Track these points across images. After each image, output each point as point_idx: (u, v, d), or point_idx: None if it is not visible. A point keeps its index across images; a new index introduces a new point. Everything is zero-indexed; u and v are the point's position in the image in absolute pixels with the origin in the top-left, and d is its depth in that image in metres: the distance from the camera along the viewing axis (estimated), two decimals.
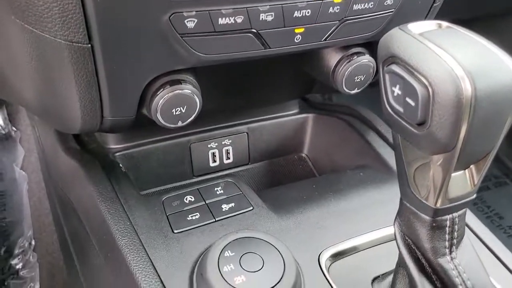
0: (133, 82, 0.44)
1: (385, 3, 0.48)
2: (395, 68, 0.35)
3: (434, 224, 0.39)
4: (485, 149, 0.36)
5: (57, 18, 0.37)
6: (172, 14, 0.40)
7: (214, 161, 0.73)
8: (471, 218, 0.55)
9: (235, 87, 0.65)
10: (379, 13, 0.49)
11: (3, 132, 1.13)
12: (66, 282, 0.77)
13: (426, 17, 0.54)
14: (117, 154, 0.65)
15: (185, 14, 0.40)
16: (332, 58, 0.55)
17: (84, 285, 0.63)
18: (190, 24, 0.41)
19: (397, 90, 0.36)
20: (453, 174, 0.36)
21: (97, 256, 0.52)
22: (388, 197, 0.56)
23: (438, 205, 0.37)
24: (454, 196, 0.38)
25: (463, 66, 0.32)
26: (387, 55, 0.36)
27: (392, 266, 0.45)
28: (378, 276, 0.47)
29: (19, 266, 0.92)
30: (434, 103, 0.32)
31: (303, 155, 0.80)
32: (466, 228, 0.49)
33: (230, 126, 0.73)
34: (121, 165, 0.60)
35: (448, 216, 0.39)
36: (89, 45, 0.39)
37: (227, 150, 0.74)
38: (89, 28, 0.39)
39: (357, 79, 0.55)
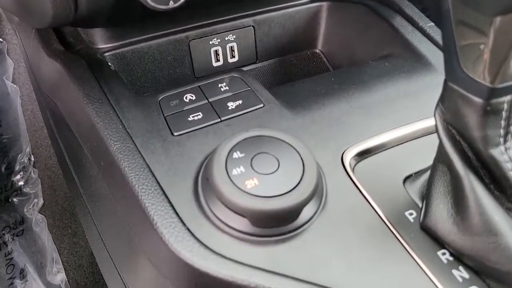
0: None
1: None
2: None
3: (488, 108, 0.31)
4: None
5: None
6: None
7: (217, 60, 0.65)
8: None
9: None
10: None
11: None
12: (67, 196, 0.73)
13: None
14: (107, 54, 0.57)
15: None
16: None
17: (84, 198, 0.58)
18: None
19: None
20: None
21: (91, 166, 0.47)
22: (420, 87, 0.48)
23: (497, 83, 0.30)
24: None
25: None
26: None
27: (427, 163, 0.39)
28: (411, 175, 0.41)
29: (21, 182, 0.89)
30: None
31: (317, 51, 0.71)
32: None
33: (234, 19, 0.64)
34: (110, 63, 0.53)
35: (506, 98, 0.31)
36: None
37: (231, 47, 0.65)
38: None
39: None
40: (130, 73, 0.59)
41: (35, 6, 0.41)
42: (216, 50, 0.64)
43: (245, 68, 0.68)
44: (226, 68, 0.66)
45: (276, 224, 0.35)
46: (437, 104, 0.35)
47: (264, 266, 0.34)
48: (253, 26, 0.65)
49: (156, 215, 0.36)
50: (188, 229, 0.35)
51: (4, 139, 0.97)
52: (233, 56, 0.66)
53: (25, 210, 0.86)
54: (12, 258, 0.79)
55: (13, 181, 0.91)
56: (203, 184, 0.37)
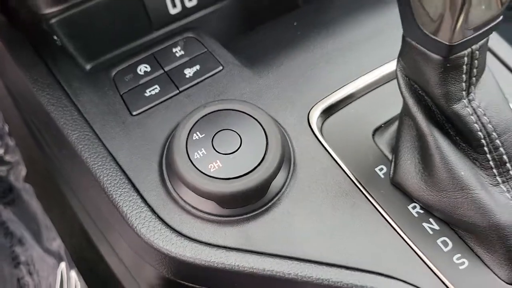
0: None
1: None
2: None
3: (448, 65, 0.30)
4: None
5: None
6: None
7: (174, 6, 0.61)
8: (495, 41, 0.45)
9: None
10: None
11: None
12: (48, 169, 0.73)
13: None
14: (53, 20, 0.52)
15: None
16: None
17: (63, 173, 0.58)
18: None
19: None
20: None
21: (57, 153, 0.45)
22: (389, 24, 0.45)
23: (455, 39, 0.28)
24: (476, 23, 0.28)
25: None
26: None
27: (396, 110, 0.38)
28: (381, 126, 0.40)
29: (1, 152, 0.87)
30: None
31: None
32: (489, 55, 0.41)
33: None
34: (55, 37, 0.49)
35: (466, 51, 0.30)
36: None
37: None
38: None
39: None
40: (81, 38, 0.54)
41: None
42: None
43: (206, 11, 0.64)
44: (186, 14, 0.62)
45: (244, 203, 0.35)
46: (398, 59, 0.33)
47: (239, 246, 0.34)
48: None
49: (125, 206, 0.36)
50: (159, 217, 0.35)
51: None
52: (190, 0, 0.62)
53: (12, 178, 0.85)
54: (8, 227, 0.81)
55: None
56: (168, 168, 0.37)
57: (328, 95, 0.40)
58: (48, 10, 0.53)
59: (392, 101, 0.39)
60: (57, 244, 0.74)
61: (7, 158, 0.87)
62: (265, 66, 0.43)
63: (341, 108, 0.41)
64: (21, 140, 0.80)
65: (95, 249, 0.64)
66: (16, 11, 0.54)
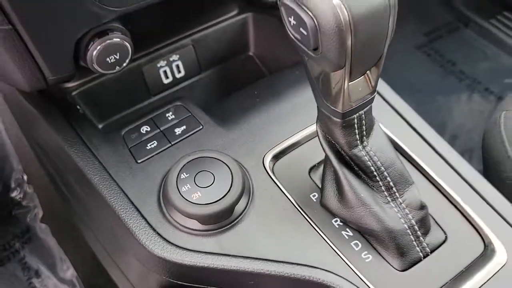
0: (64, 49, 0.48)
1: None
2: (286, 1, 0.39)
3: (344, 124, 0.46)
4: (373, 61, 0.42)
5: None
6: None
7: (167, 77, 0.78)
8: (389, 93, 0.62)
9: (172, 14, 0.67)
10: None
11: None
12: (64, 209, 0.87)
13: None
14: (74, 93, 0.69)
15: None
16: None
17: (78, 210, 0.73)
18: None
19: (292, 20, 0.40)
20: (351, 83, 0.42)
21: (79, 192, 0.61)
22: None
23: (344, 109, 0.45)
24: (356, 99, 0.44)
25: None
26: None
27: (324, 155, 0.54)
28: (314, 165, 0.56)
29: (19, 197, 1.02)
30: (321, 33, 0.37)
31: (250, 53, 0.84)
32: (383, 103, 0.58)
33: (175, 42, 0.76)
34: (78, 106, 0.66)
35: (355, 115, 0.46)
36: (10, 27, 0.42)
37: (177, 65, 0.78)
38: (5, 12, 0.41)
39: None
40: (96, 105, 0.71)
41: (16, 84, 0.54)
42: (164, 70, 0.77)
43: (191, 80, 0.81)
44: (176, 83, 0.79)
45: (217, 221, 0.50)
46: (317, 120, 0.50)
47: (214, 251, 0.49)
48: (192, 45, 0.78)
49: (134, 227, 0.51)
50: (158, 233, 0.51)
51: None
52: (179, 72, 0.79)
53: (28, 220, 1.00)
54: (26, 262, 0.94)
55: (12, 197, 1.05)
56: (164, 199, 0.52)
57: (277, 145, 0.57)
58: (71, 84, 0.70)
59: (321, 149, 0.56)
60: (70, 273, 0.87)
61: (25, 203, 1.02)
62: (234, 125, 0.60)
63: (287, 154, 0.57)
64: (41, 186, 0.95)
65: (105, 275, 0.77)
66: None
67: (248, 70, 0.84)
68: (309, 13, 0.37)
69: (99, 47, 0.50)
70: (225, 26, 0.80)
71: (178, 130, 0.59)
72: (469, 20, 1.46)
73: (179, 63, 0.78)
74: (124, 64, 0.54)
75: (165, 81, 0.78)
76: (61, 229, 0.92)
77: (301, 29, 0.39)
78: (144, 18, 0.55)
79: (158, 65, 0.76)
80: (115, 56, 0.52)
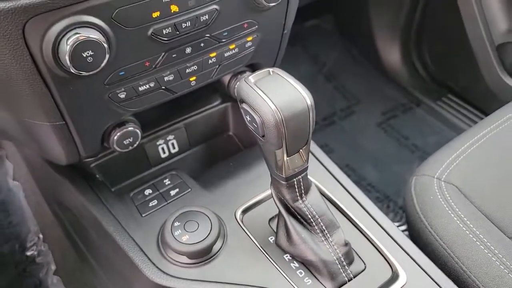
0: (95, 136, 0.70)
1: (246, 46, 0.74)
2: (244, 105, 0.61)
3: (287, 185, 0.67)
4: (302, 144, 0.63)
5: (42, 113, 0.62)
6: (110, 93, 0.65)
7: (164, 152, 1.00)
8: (323, 157, 0.84)
9: (168, 104, 0.91)
10: (243, 52, 0.74)
11: None
12: (77, 261, 1.05)
13: (280, 43, 0.80)
14: (93, 165, 0.90)
15: (117, 91, 0.65)
16: (225, 79, 0.81)
17: (90, 259, 0.91)
18: (122, 95, 0.66)
19: (248, 117, 0.62)
20: (289, 157, 0.64)
21: (97, 241, 0.80)
22: None
23: (286, 175, 0.66)
24: (294, 168, 0.66)
25: (276, 104, 0.58)
26: (239, 97, 0.62)
27: None
28: (272, 217, 0.76)
29: (34, 253, 1.19)
30: (265, 127, 0.59)
31: (230, 133, 1.07)
32: (319, 165, 0.79)
33: (171, 125, 0.98)
34: (97, 175, 0.86)
35: (295, 179, 0.67)
36: (64, 122, 0.65)
37: (172, 143, 1.00)
38: (62, 113, 0.64)
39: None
40: (110, 173, 0.92)
41: (56, 161, 0.75)
42: (162, 147, 0.99)
43: (183, 154, 1.03)
44: (171, 157, 1.00)
45: (200, 256, 0.69)
46: (271, 182, 0.71)
47: (198, 278, 0.68)
48: (184, 127, 1.00)
49: (139, 261, 0.70)
50: (157, 267, 0.69)
51: (14, 223, 1.27)
52: (174, 148, 1.01)
53: (41, 275, 1.16)
54: None
55: (27, 255, 1.22)
56: (161, 241, 0.72)
57: (245, 202, 0.77)
58: (88, 160, 0.91)
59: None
60: None
61: (39, 260, 1.19)
62: (213, 188, 0.81)
63: (252, 208, 0.77)
64: (55, 241, 1.13)
65: None
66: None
67: (229, 146, 1.07)
68: (257, 114, 0.60)
69: (119, 134, 0.72)
70: (210, 113, 1.03)
71: (172, 192, 0.80)
72: (420, 101, 1.73)
73: (174, 141, 1.00)
74: (135, 145, 0.75)
75: (163, 156, 0.99)
76: (72, 277, 1.09)
77: (253, 123, 0.61)
78: (150, 111, 0.78)
79: (157, 143, 0.98)
80: (129, 139, 0.74)
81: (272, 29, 0.76)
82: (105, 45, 0.57)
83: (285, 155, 0.63)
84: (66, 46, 0.54)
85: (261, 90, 0.60)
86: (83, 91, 0.63)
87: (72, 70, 0.56)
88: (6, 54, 0.55)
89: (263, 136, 0.62)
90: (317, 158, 0.84)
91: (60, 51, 0.55)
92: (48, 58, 0.56)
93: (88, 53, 0.56)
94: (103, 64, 0.58)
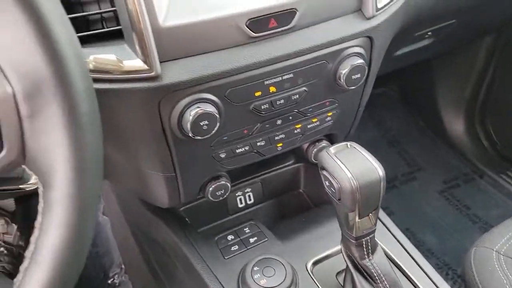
0: (196, 186, 0.84)
1: (326, 119, 0.87)
2: (324, 172, 0.73)
3: (356, 244, 0.76)
4: (372, 209, 0.73)
5: (158, 166, 0.77)
6: (213, 153, 0.79)
7: (241, 203, 1.12)
8: (390, 224, 0.92)
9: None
10: (323, 125, 0.87)
11: None
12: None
13: (355, 118, 0.92)
14: (182, 208, 1.04)
15: (219, 152, 0.79)
16: (304, 145, 0.94)
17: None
18: (223, 155, 0.80)
19: (327, 183, 0.74)
20: (360, 219, 0.74)
21: (183, 276, 0.92)
22: None
23: (356, 235, 0.75)
24: (363, 230, 0.75)
25: (352, 173, 0.69)
26: (320, 165, 0.74)
27: None
28: (340, 271, 0.85)
29: (115, 282, 1.34)
30: (342, 192, 0.70)
31: (301, 190, 1.18)
32: (387, 231, 0.88)
33: (249, 180, 1.11)
34: (187, 218, 1.00)
35: (363, 239, 0.77)
36: (174, 174, 0.79)
37: (249, 195, 1.12)
38: (174, 166, 0.78)
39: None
40: (195, 216, 1.06)
41: (159, 204, 0.89)
42: (240, 198, 1.11)
43: (257, 206, 1.15)
44: (247, 207, 1.13)
45: None
46: (341, 240, 0.80)
47: None
48: (261, 182, 1.13)
49: None
50: None
51: (100, 254, 1.43)
52: (250, 200, 1.13)
53: None
54: None
55: (108, 283, 1.36)
56: (242, 282, 0.82)
57: (316, 256, 0.87)
58: (178, 206, 1.05)
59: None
60: None
61: None
62: (287, 240, 0.91)
63: (322, 262, 0.87)
64: (136, 272, 1.27)
65: None
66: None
67: (298, 202, 1.18)
68: (336, 181, 0.71)
69: (213, 186, 0.86)
70: (284, 171, 1.15)
71: (251, 240, 0.92)
72: (483, 173, 1.76)
73: (250, 194, 1.12)
74: (225, 196, 0.88)
75: (240, 205, 1.12)
76: None
77: (331, 188, 0.72)
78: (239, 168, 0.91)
79: (236, 195, 1.11)
80: (221, 191, 0.87)
81: (349, 106, 0.89)
82: (217, 116, 0.71)
83: (357, 217, 0.73)
84: (189, 116, 0.69)
85: (340, 161, 0.71)
86: (193, 151, 0.77)
87: (190, 135, 0.71)
88: (144, 120, 0.70)
89: (339, 199, 0.72)
90: (382, 221, 0.93)
91: (183, 120, 0.70)
92: (173, 125, 0.71)
93: (204, 123, 0.70)
94: (213, 131, 0.72)
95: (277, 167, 1.14)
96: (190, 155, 0.78)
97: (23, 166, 0.42)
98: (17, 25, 0.36)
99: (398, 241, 0.90)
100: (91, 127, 0.41)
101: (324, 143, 0.93)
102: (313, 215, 0.98)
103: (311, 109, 0.83)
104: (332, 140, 0.95)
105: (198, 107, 0.70)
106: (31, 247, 0.42)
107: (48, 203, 0.41)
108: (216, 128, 0.72)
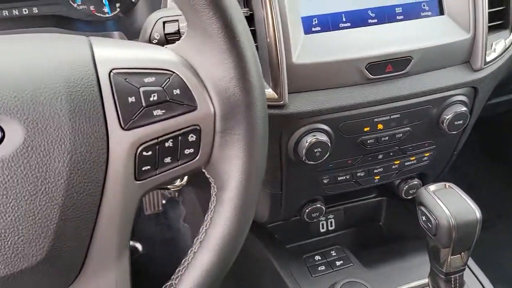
0: (296, 206, 0.93)
1: (423, 159, 0.93)
2: (422, 208, 0.79)
3: (445, 279, 0.81)
4: (465, 248, 0.78)
5: (269, 184, 0.87)
6: (318, 178, 0.87)
7: (323, 228, 1.19)
8: (477, 270, 0.95)
9: None
10: (419, 164, 0.93)
11: (170, 196, 1.68)
12: None
13: (449, 160, 0.97)
14: (269, 225, 1.12)
15: (323, 177, 0.87)
16: (396, 181, 1.00)
17: None
18: (325, 181, 0.88)
19: (424, 218, 0.79)
20: (452, 257, 0.79)
21: (267, 287, 1.00)
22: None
23: (446, 271, 0.80)
24: (454, 267, 0.80)
25: (450, 212, 0.74)
26: (418, 200, 0.80)
27: None
28: None
29: None
30: (439, 228, 0.76)
31: (381, 223, 1.23)
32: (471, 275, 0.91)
33: (333, 207, 1.18)
34: (276, 235, 1.08)
35: (452, 276, 0.81)
36: (280, 192, 0.88)
37: (331, 221, 1.19)
38: (282, 185, 0.87)
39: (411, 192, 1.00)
40: (282, 233, 1.13)
41: (260, 220, 0.98)
42: (323, 224, 1.18)
43: (338, 233, 1.21)
44: (328, 232, 1.19)
45: None
46: (429, 274, 0.85)
47: None
48: (343, 210, 1.19)
49: None
50: None
51: (180, 260, 1.54)
52: (331, 226, 1.20)
53: None
54: None
55: None
56: None
57: (402, 285, 0.92)
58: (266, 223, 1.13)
59: None
60: None
61: None
62: (371, 266, 0.97)
63: None
64: None
65: None
66: None
67: (377, 234, 1.22)
68: (434, 217, 0.76)
69: (310, 208, 0.93)
70: (367, 202, 1.21)
71: (338, 263, 0.98)
72: None
73: (333, 220, 1.19)
74: (319, 218, 0.96)
75: (321, 230, 1.19)
76: None
77: (428, 223, 0.78)
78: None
79: (320, 219, 1.17)
80: (316, 213, 0.95)
81: (446, 149, 0.94)
82: (329, 145, 0.79)
83: (449, 254, 0.78)
84: (305, 143, 0.78)
85: (439, 199, 0.77)
86: (301, 173, 0.86)
87: (304, 159, 0.79)
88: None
89: (435, 235, 0.77)
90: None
91: (300, 146, 0.79)
92: (290, 149, 0.80)
93: (317, 150, 0.79)
94: (323, 158, 0.80)
95: (360, 198, 1.20)
96: (297, 177, 0.86)
97: (203, 170, 0.52)
98: (223, 58, 0.46)
99: (481, 284, 0.93)
100: (263, 146, 0.50)
101: (416, 181, 0.99)
102: (396, 248, 1.03)
103: (411, 148, 0.89)
104: (423, 179, 1.00)
105: (314, 135, 0.78)
106: (200, 235, 0.52)
107: (220, 201, 0.51)
108: (326, 156, 0.80)
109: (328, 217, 1.18)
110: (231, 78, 0.46)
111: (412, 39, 0.80)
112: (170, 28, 0.58)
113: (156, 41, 0.59)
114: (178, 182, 0.80)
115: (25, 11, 0.87)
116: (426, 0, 0.82)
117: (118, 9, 0.92)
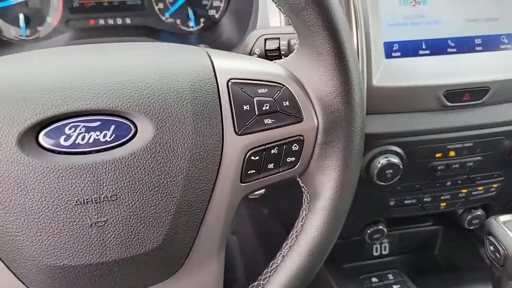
0: (360, 224, 0.94)
1: (490, 190, 0.93)
2: (491, 237, 0.79)
3: None
4: None
5: None
6: (386, 199, 0.89)
7: (376, 251, 1.19)
8: None
9: None
10: (486, 194, 0.93)
11: None
12: None
13: None
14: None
15: (390, 199, 0.89)
16: (459, 210, 1.00)
17: None
18: (392, 203, 0.89)
19: (492, 248, 0.79)
20: None
21: None
22: None
23: None
24: None
25: None
26: (486, 230, 0.80)
27: None
28: None
29: None
30: (508, 259, 0.76)
31: (435, 252, 1.22)
32: None
33: (389, 231, 1.18)
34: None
35: None
36: None
37: (385, 246, 1.19)
38: None
39: (474, 222, 0.99)
40: (340, 250, 1.14)
41: None
42: (376, 247, 1.18)
43: (391, 258, 1.21)
44: (380, 256, 1.19)
45: None
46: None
47: None
48: (398, 235, 1.19)
49: None
50: None
51: (225, 270, 1.56)
52: (385, 250, 1.20)
53: None
54: None
55: None
56: None
57: None
58: None
59: None
60: None
61: None
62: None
63: None
64: None
65: None
66: None
67: (434, 262, 1.21)
68: (503, 247, 0.76)
69: (373, 229, 0.95)
70: (422, 230, 1.21)
71: (395, 287, 0.98)
72: None
73: (387, 245, 1.19)
74: (381, 240, 0.97)
75: (375, 253, 1.19)
76: None
77: (496, 253, 0.78)
78: None
79: (375, 243, 1.18)
80: (378, 235, 0.96)
81: None
82: (401, 168, 0.81)
83: None
84: (378, 164, 0.80)
85: (509, 230, 0.77)
86: (369, 193, 0.87)
87: (375, 179, 0.81)
88: None
89: (502, 265, 0.77)
90: None
91: (372, 166, 0.81)
92: (362, 169, 0.82)
93: (389, 171, 0.80)
94: (394, 180, 0.82)
95: (416, 225, 1.20)
96: (365, 196, 0.88)
97: (298, 179, 0.55)
98: (332, 76, 0.49)
99: None
100: (358, 160, 0.53)
101: (479, 211, 0.98)
102: (454, 277, 1.03)
103: (480, 178, 0.89)
104: (487, 210, 1.00)
105: (387, 157, 0.80)
106: (290, 240, 0.55)
107: (312, 209, 0.54)
108: (397, 178, 0.82)
109: (383, 241, 1.18)
110: (337, 94, 0.49)
111: (491, 70, 0.81)
112: (271, 45, 0.63)
113: (256, 55, 0.63)
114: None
115: (119, 21, 0.94)
116: (506, 33, 0.84)
117: (202, 24, 0.98)
